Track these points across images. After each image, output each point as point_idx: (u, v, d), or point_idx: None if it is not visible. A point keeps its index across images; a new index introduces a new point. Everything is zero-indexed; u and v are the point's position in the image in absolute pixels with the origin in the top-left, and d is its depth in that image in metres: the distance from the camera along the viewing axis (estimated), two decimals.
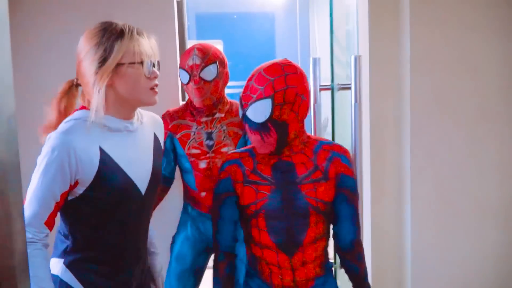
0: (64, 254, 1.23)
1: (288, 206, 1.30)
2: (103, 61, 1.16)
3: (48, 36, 2.13)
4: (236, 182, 1.33)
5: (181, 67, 1.85)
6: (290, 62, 1.31)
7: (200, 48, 1.82)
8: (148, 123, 1.35)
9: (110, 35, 1.17)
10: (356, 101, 1.56)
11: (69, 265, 1.22)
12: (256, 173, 1.32)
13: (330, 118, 1.83)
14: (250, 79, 1.28)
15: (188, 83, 1.82)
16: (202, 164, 1.85)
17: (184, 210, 1.98)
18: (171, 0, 2.18)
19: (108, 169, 1.18)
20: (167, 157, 1.88)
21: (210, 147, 1.84)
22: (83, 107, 1.24)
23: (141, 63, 1.20)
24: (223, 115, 1.89)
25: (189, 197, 1.94)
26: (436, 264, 2.04)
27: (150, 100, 1.25)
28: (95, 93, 1.16)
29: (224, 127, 1.87)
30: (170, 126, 1.88)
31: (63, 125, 1.19)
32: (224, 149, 1.85)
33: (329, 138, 1.79)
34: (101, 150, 1.18)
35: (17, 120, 0.65)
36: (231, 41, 4.13)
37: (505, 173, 2.13)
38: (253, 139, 1.29)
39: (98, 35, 1.18)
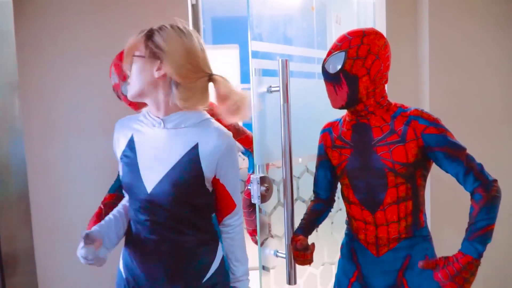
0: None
1: (366, 166, 1.41)
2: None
3: (61, 40, 2.15)
4: (327, 147, 1.54)
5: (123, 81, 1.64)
6: (374, 29, 1.42)
7: (118, 64, 1.62)
8: None
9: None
10: (284, 102, 1.68)
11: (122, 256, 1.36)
12: (340, 139, 1.49)
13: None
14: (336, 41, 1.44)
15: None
16: None
17: None
18: (186, 3, 2.16)
19: None
20: None
21: None
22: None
23: None
24: None
25: None
26: None
27: None
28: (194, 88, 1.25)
29: None
30: None
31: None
32: None
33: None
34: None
35: (23, 121, 0.65)
36: (247, 45, 4.11)
37: None
38: (328, 91, 1.43)
39: (190, 37, 1.24)
